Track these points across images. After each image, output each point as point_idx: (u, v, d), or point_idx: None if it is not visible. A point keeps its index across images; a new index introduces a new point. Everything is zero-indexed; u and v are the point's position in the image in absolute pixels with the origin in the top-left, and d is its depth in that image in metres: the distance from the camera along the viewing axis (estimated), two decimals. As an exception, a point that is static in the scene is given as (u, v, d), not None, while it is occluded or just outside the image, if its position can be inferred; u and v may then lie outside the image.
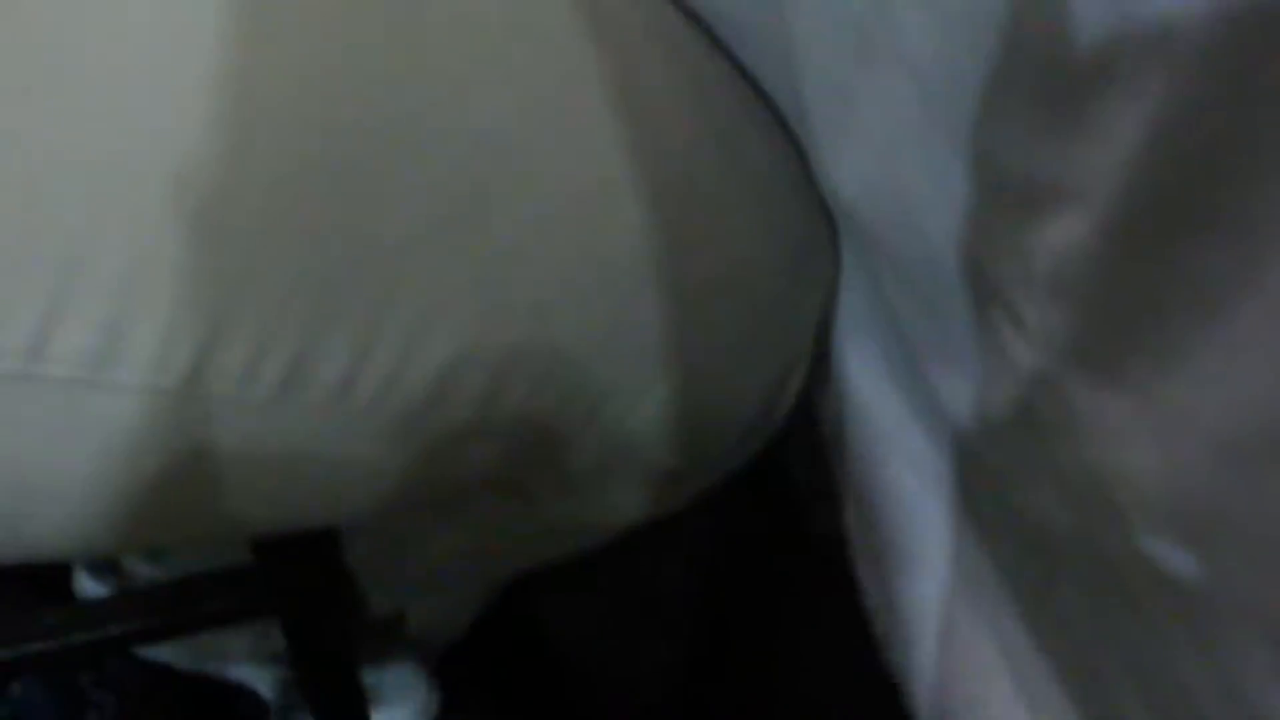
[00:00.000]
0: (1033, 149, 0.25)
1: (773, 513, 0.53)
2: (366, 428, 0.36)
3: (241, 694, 0.68)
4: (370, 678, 0.61)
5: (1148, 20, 0.21)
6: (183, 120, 0.32)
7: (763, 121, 0.41)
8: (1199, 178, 0.22)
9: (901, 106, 0.30)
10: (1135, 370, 0.25)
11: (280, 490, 0.38)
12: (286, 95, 0.33)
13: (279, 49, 0.33)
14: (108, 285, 0.32)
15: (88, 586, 0.62)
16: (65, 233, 0.31)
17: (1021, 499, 0.34)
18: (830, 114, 0.34)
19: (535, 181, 0.36)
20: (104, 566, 0.60)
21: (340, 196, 0.34)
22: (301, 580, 0.48)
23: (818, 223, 0.41)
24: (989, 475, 0.36)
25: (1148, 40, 0.21)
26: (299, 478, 0.37)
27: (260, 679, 0.67)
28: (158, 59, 0.32)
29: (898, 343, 0.40)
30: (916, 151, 0.30)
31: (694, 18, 0.41)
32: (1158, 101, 0.22)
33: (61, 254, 0.31)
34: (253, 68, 0.33)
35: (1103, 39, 0.22)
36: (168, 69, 0.32)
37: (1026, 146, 0.26)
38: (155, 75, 0.32)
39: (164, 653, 0.66)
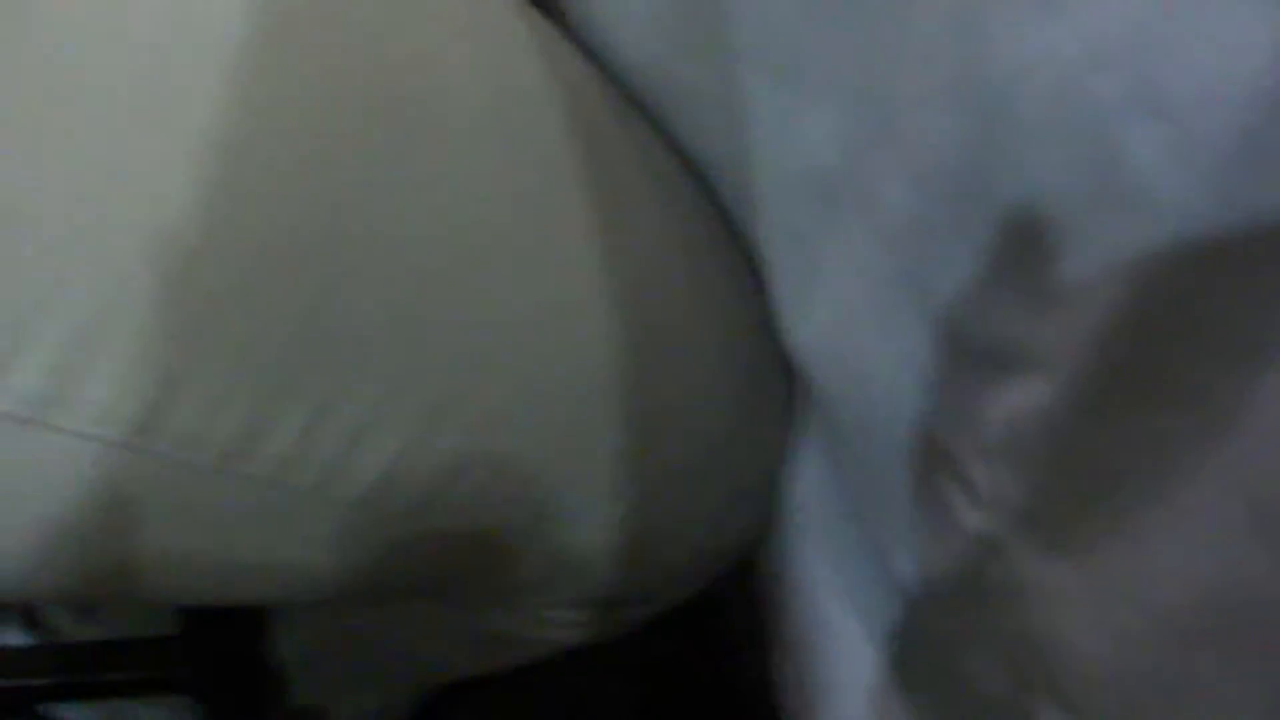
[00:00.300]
0: (1002, 312, 0.26)
1: (706, 651, 0.52)
2: (305, 511, 0.36)
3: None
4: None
5: (1126, 190, 0.21)
6: (170, 182, 0.32)
7: (735, 259, 0.41)
8: (1165, 348, 0.23)
9: (867, 262, 0.30)
10: (1083, 538, 0.25)
11: (211, 562, 0.37)
12: (274, 172, 0.34)
13: (274, 126, 0.34)
14: (68, 330, 0.31)
15: (8, 637, 0.61)
16: (32, 273, 0.31)
17: (959, 663, 0.33)
18: (790, 264, 0.34)
19: (504, 292, 0.36)
20: (27, 619, 0.59)
21: (309, 279, 0.34)
22: (222, 658, 0.46)
23: (780, 367, 0.41)
24: (929, 637, 0.35)
25: (1126, 209, 0.22)
26: (231, 553, 0.37)
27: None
28: (155, 118, 0.33)
29: (846, 499, 0.39)
30: (878, 310, 0.30)
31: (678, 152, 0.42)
32: (1132, 269, 0.22)
33: (25, 293, 0.31)
34: (247, 140, 0.33)
35: (1081, 205, 0.22)
36: (163, 130, 0.33)
37: (996, 309, 0.26)
38: (149, 134, 0.32)
39: (76, 716, 0.64)
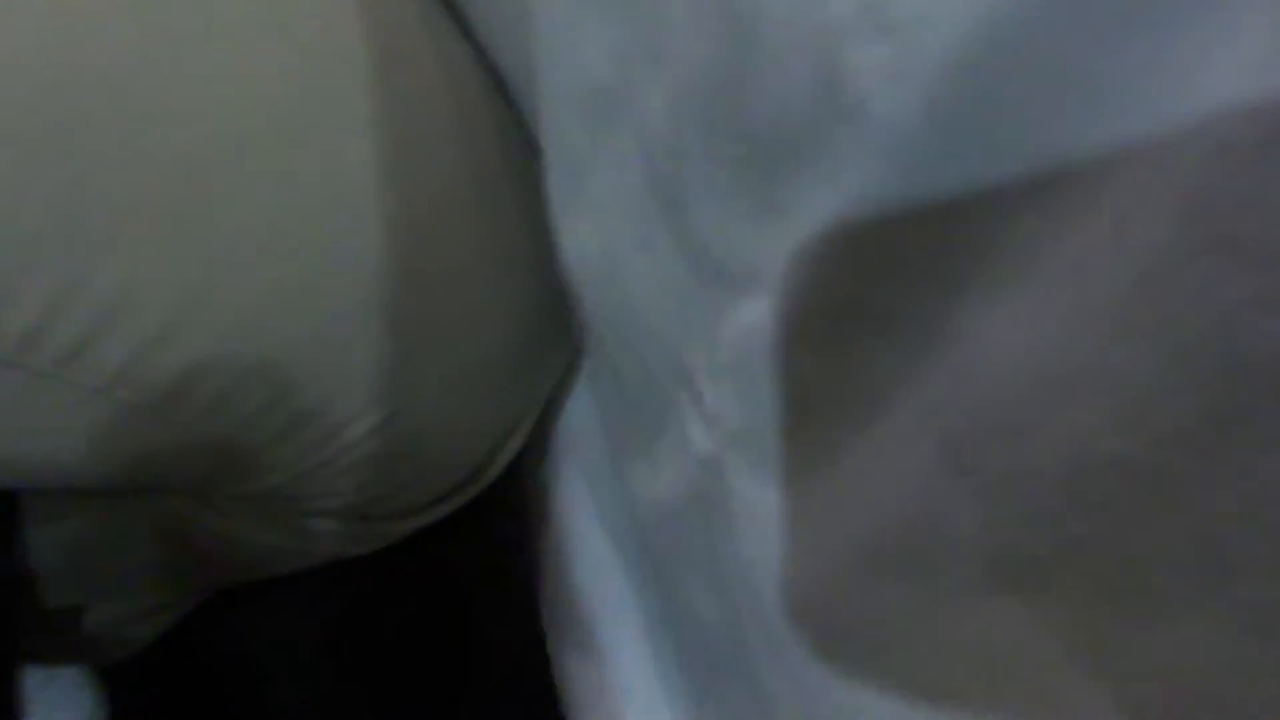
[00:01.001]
0: (734, 230, 0.25)
1: (483, 557, 0.53)
2: (44, 395, 0.34)
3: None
4: (35, 680, 0.57)
5: (847, 107, 0.21)
6: None
7: (531, 181, 0.41)
8: (873, 272, 0.22)
9: (629, 178, 0.29)
10: (789, 463, 0.25)
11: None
12: (37, 46, 0.32)
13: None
14: None
15: None
16: None
17: (683, 587, 0.34)
18: (563, 181, 0.35)
19: (271, 181, 0.35)
20: None
21: (57, 151, 0.32)
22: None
23: (565, 295, 0.42)
24: (659, 558, 0.36)
25: (845, 125, 0.21)
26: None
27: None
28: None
29: (604, 422, 0.40)
30: (638, 228, 0.30)
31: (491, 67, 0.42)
32: (847, 190, 0.22)
33: None
34: (9, 6, 0.32)
35: (807, 125, 0.22)
36: None
37: (730, 227, 0.26)
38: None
39: None
